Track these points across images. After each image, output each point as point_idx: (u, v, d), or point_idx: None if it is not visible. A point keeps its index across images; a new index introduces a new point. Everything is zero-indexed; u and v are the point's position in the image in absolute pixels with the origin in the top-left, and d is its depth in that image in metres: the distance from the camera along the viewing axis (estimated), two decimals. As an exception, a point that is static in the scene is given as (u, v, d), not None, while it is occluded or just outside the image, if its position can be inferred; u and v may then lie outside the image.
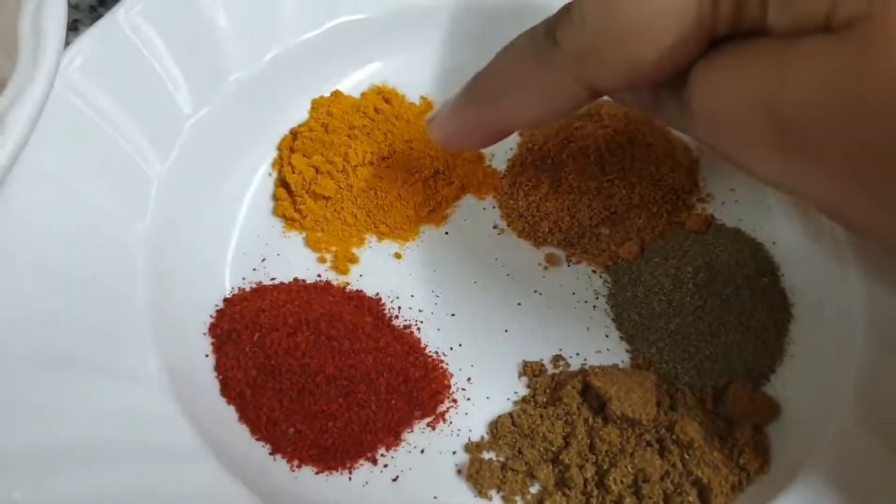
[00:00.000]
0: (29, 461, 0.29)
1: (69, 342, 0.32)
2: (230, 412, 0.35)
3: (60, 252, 0.34)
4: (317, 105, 0.44)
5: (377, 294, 0.39)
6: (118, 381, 0.32)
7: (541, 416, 0.35)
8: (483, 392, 0.36)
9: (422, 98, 0.45)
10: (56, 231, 0.34)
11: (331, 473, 0.34)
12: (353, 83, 0.46)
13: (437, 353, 0.37)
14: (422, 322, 0.38)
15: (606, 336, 0.38)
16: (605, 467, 0.33)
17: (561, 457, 0.34)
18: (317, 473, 0.34)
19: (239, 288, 0.39)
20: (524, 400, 0.36)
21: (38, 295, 0.32)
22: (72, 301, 0.33)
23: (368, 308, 0.37)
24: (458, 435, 0.35)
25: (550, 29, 0.28)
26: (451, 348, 0.37)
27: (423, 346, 0.37)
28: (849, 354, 0.35)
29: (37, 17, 0.30)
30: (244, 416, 0.34)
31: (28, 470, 0.29)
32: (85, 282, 0.34)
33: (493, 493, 0.34)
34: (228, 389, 0.35)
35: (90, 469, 0.29)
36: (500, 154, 0.44)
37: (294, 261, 0.40)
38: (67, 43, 0.33)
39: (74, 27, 0.48)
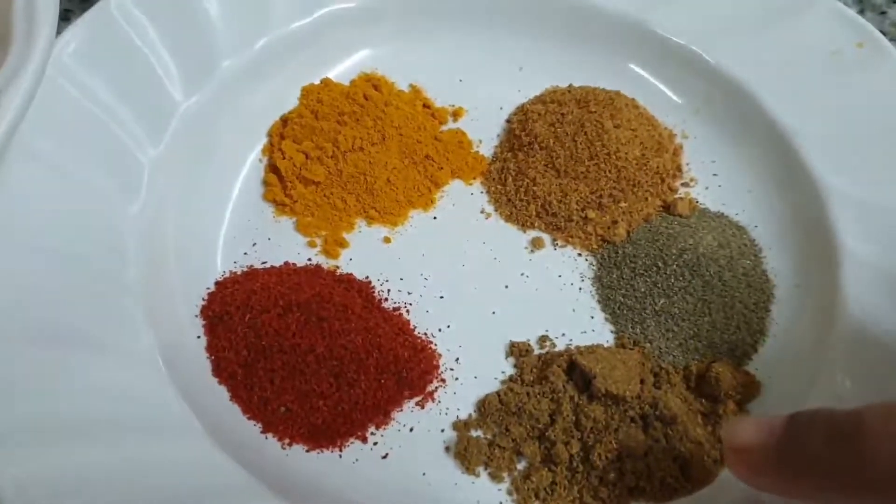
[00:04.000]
0: (25, 438, 0.29)
1: (63, 321, 0.33)
2: (222, 392, 0.35)
3: (54, 234, 0.34)
4: (307, 92, 0.45)
5: (367, 277, 0.39)
6: (111, 359, 0.33)
7: (527, 394, 0.35)
8: (471, 371, 0.37)
9: (411, 85, 0.46)
10: (49, 214, 0.35)
11: (321, 451, 0.34)
12: (342, 70, 0.46)
13: (426, 334, 0.38)
14: (411, 304, 0.39)
15: (592, 317, 0.39)
16: (590, 443, 0.34)
17: (547, 434, 0.34)
18: (307, 451, 0.34)
19: (230, 271, 0.39)
20: (511, 379, 0.37)
21: (32, 275, 0.33)
22: (64, 282, 0.34)
23: (358, 290, 0.38)
24: (446, 413, 0.36)
25: None
26: (440, 329, 0.38)
27: (412, 327, 0.38)
28: (828, 334, 0.36)
29: (30, 4, 0.31)
30: (236, 396, 0.35)
31: (24, 446, 0.29)
32: (77, 263, 0.34)
33: (480, 469, 0.34)
34: (220, 370, 0.36)
35: (84, 445, 0.30)
36: (488, 140, 0.45)
37: (285, 245, 0.40)
38: (58, 32, 0.33)
39: (66, 17, 0.48)
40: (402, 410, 0.36)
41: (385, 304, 0.38)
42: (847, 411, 0.26)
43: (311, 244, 0.40)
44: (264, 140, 0.44)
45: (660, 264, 0.38)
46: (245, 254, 0.40)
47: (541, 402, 0.35)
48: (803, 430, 0.26)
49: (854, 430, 0.25)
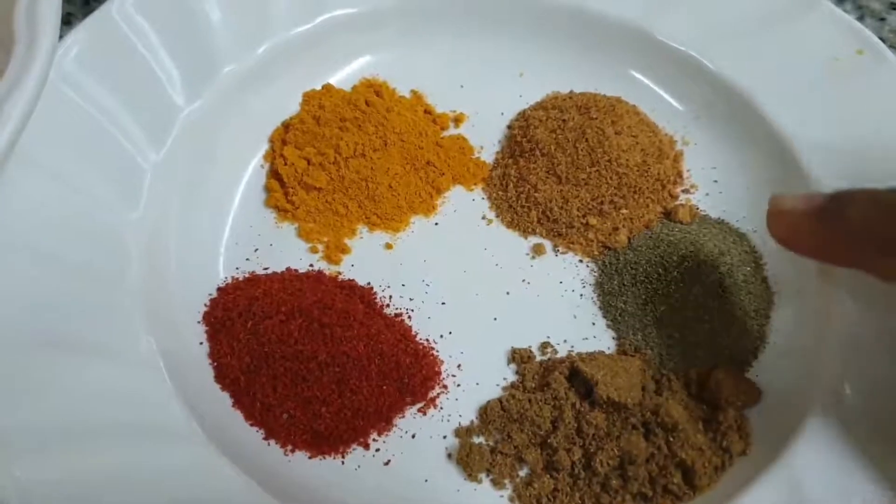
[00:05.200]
0: (28, 441, 0.29)
1: (64, 327, 0.33)
2: (224, 398, 0.35)
3: (56, 240, 0.34)
4: (308, 98, 0.45)
5: (368, 283, 0.39)
6: (113, 365, 0.33)
7: (529, 401, 0.35)
8: (473, 378, 0.37)
9: (412, 91, 0.46)
10: (51, 219, 0.35)
11: (324, 458, 0.34)
12: (344, 76, 0.46)
13: (427, 340, 0.38)
14: (413, 310, 0.39)
15: (593, 324, 0.39)
16: (591, 450, 0.34)
17: (549, 440, 0.34)
18: (310, 458, 0.34)
19: (232, 277, 0.39)
20: (513, 385, 0.37)
21: (35, 281, 0.33)
22: (67, 287, 0.34)
23: (360, 296, 0.38)
24: (448, 420, 0.36)
25: None
26: (442, 336, 0.38)
27: (414, 333, 0.38)
28: (828, 340, 0.36)
29: (32, 9, 0.31)
30: (238, 403, 0.35)
31: (27, 449, 0.29)
32: (80, 269, 0.34)
33: (482, 476, 0.34)
34: (222, 376, 0.36)
35: (86, 450, 0.30)
36: (489, 146, 0.45)
37: (286, 251, 0.40)
38: (60, 37, 0.33)
39: (67, 21, 0.48)
40: (404, 417, 0.36)
41: (387, 311, 0.39)
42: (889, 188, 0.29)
43: (313, 250, 0.40)
44: (266, 146, 0.44)
45: (661, 271, 0.39)
46: (247, 260, 0.40)
47: (543, 408, 0.35)
48: (845, 198, 0.30)
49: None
